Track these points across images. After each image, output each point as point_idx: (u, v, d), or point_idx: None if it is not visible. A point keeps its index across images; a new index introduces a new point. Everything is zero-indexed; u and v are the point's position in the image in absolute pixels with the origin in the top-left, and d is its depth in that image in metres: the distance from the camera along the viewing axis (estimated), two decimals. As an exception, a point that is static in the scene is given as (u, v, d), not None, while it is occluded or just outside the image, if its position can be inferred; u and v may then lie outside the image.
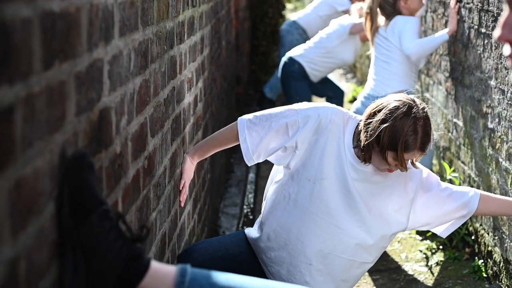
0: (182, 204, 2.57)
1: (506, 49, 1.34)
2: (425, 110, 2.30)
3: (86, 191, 1.27)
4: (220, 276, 1.43)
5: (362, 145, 2.29)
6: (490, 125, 3.32)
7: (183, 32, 2.67)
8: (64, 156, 1.23)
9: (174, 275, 1.38)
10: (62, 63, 1.22)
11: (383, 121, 2.24)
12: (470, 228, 3.78)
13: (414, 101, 2.30)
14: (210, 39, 3.78)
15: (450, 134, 4.21)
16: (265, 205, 2.52)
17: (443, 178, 3.89)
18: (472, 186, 3.70)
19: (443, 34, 3.95)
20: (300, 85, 5.41)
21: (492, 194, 2.44)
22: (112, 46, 1.56)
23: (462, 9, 3.88)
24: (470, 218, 3.23)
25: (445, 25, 4.23)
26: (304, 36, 6.60)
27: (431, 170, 4.39)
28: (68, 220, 1.24)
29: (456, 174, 3.95)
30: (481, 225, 3.56)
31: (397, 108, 2.25)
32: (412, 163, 2.35)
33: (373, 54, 4.23)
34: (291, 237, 2.37)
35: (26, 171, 1.08)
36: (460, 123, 3.95)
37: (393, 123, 2.22)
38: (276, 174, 2.54)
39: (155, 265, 1.38)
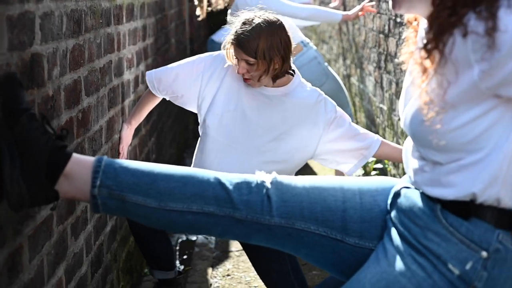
0: None
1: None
2: (268, 20, 2.47)
3: (16, 100, 1.59)
4: (133, 162, 1.73)
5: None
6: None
7: (121, 15, 3.01)
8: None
9: (93, 161, 1.69)
10: (-4, 6, 1.54)
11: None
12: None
13: (269, 16, 2.51)
14: (154, 31, 4.12)
15: (378, 119, 4.60)
16: (195, 158, 2.79)
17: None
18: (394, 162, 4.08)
19: (338, 14, 4.17)
20: None
21: (390, 143, 2.71)
22: (44, 5, 1.89)
23: (384, 3, 4.28)
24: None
25: (373, 20, 4.64)
26: None
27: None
28: (2, 122, 1.56)
29: (380, 166, 4.31)
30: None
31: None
32: (258, 80, 2.52)
33: None
34: (213, 168, 2.53)
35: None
36: (385, 107, 4.34)
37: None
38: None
39: (77, 155, 1.69)
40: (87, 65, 2.38)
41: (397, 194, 1.67)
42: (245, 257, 3.89)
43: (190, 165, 5.73)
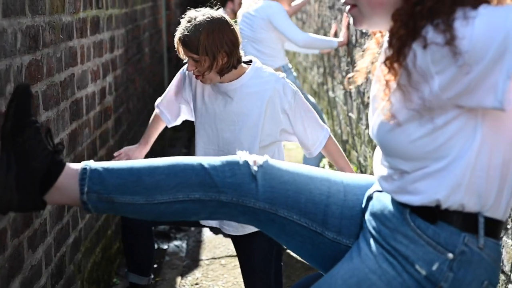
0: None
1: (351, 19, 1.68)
2: (211, 17, 2.52)
3: (27, 111, 1.73)
4: (118, 163, 1.80)
5: None
6: (371, 113, 3.76)
7: (85, 28, 3.04)
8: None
9: (79, 168, 1.77)
10: None
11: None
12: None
13: (212, 13, 2.56)
14: (124, 42, 4.16)
15: (348, 127, 4.66)
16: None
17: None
18: (361, 171, 4.13)
19: (333, 41, 4.41)
20: None
21: (337, 145, 2.78)
22: (-5, 23, 1.92)
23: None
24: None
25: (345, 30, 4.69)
26: None
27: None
28: (8, 131, 1.70)
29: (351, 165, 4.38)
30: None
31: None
32: (200, 75, 2.57)
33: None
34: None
35: None
36: (354, 116, 4.39)
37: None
38: None
39: (67, 166, 1.77)
40: (45, 79, 2.42)
41: (370, 197, 1.73)
42: (214, 265, 3.93)
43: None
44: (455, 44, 1.41)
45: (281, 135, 2.67)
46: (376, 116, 1.63)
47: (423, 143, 1.52)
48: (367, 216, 1.70)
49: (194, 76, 2.61)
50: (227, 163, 1.77)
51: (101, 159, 3.39)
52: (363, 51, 1.75)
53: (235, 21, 4.84)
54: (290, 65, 4.62)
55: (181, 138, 7.23)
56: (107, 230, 3.55)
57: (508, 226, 1.93)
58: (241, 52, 2.63)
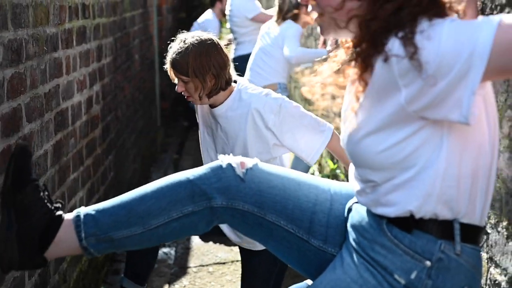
0: None
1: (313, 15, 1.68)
2: (199, 39, 2.57)
3: (26, 170, 1.82)
4: (107, 202, 1.84)
5: None
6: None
7: (71, 39, 3.06)
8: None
9: (72, 218, 1.82)
10: None
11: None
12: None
13: (201, 35, 2.61)
14: (112, 50, 4.17)
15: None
16: None
17: (324, 174, 4.32)
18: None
19: (323, 51, 4.47)
20: None
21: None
22: (-24, 38, 1.94)
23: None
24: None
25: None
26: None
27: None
28: (8, 188, 1.77)
29: (339, 170, 4.40)
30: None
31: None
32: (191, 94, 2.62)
33: (257, 46, 4.95)
34: None
35: None
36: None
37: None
38: None
39: (65, 218, 1.83)
40: (29, 92, 2.43)
41: (350, 209, 1.75)
42: (202, 273, 3.94)
43: (156, 178, 5.79)
44: (419, 57, 1.42)
45: (275, 150, 2.69)
46: (346, 126, 1.64)
47: (391, 153, 1.53)
48: (348, 227, 1.72)
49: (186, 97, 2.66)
50: (210, 169, 1.79)
51: (87, 168, 3.40)
52: (326, 59, 1.77)
53: (225, 21, 5.14)
54: (286, 84, 4.83)
55: (172, 143, 7.24)
56: (94, 239, 3.56)
57: (484, 239, 1.95)
58: (231, 73, 2.67)
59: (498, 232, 1.82)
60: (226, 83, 2.62)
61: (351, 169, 1.75)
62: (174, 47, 2.60)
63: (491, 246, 1.88)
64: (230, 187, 1.76)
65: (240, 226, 1.82)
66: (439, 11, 1.49)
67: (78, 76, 3.21)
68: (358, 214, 1.68)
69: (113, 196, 4.00)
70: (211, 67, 2.56)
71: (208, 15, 7.59)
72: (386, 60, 1.47)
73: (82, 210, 1.82)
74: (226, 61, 2.62)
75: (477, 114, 1.44)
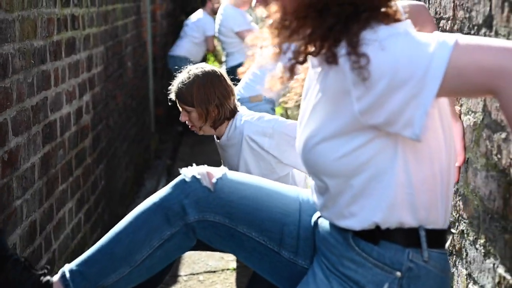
0: None
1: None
2: (203, 71, 2.70)
3: (2, 248, 1.80)
4: (88, 252, 1.86)
5: None
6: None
7: (59, 50, 3.07)
8: None
9: (59, 278, 1.84)
10: None
11: None
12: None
13: (205, 67, 2.74)
14: (103, 59, 4.19)
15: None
16: None
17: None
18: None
19: None
20: None
21: None
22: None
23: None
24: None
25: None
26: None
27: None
28: None
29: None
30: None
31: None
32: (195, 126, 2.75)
33: None
34: None
35: None
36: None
37: None
38: None
39: (54, 281, 1.84)
40: (15, 106, 2.44)
41: (316, 223, 1.74)
42: (192, 281, 3.96)
43: (149, 185, 5.80)
44: (370, 68, 1.39)
45: (280, 168, 2.76)
46: (302, 131, 1.62)
47: (347, 160, 1.52)
48: (316, 242, 1.72)
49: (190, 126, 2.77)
50: (175, 187, 1.80)
51: (77, 178, 3.41)
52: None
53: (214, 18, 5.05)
54: (273, 99, 4.76)
55: (166, 149, 7.25)
56: (83, 249, 3.57)
57: (463, 256, 1.97)
58: (236, 103, 2.76)
59: (476, 249, 1.84)
60: (230, 113, 2.73)
61: (311, 184, 1.73)
62: (179, 78, 2.71)
63: (470, 262, 1.90)
64: (200, 200, 1.76)
65: (212, 238, 1.82)
66: (383, 19, 1.46)
67: (67, 88, 3.22)
68: (323, 230, 1.68)
69: (104, 205, 4.02)
70: (214, 97, 2.66)
71: (199, 14, 7.65)
72: (338, 68, 1.44)
73: (66, 268, 1.85)
74: (230, 92, 2.72)
75: (429, 128, 1.42)
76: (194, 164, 1.82)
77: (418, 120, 1.38)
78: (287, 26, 1.51)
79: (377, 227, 1.55)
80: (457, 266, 2.01)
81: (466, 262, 1.93)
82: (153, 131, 7.26)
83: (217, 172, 1.80)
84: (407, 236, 1.55)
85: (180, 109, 2.73)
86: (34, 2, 2.67)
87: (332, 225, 1.65)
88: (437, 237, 1.58)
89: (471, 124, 1.86)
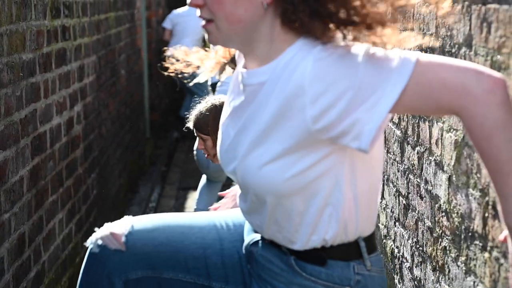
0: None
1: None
2: (221, 102, 2.79)
3: None
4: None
5: None
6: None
7: (49, 62, 3.08)
8: None
9: None
10: None
11: None
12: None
13: (221, 98, 2.83)
14: (96, 68, 4.20)
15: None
16: None
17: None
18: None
19: None
20: None
21: None
22: None
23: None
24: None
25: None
26: None
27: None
28: None
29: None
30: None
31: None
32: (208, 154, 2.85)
33: None
34: None
35: None
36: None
37: None
38: None
39: None
40: (3, 120, 2.45)
41: (249, 251, 1.69)
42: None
43: (143, 192, 5.81)
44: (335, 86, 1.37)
45: None
46: (245, 150, 1.54)
47: (296, 180, 1.48)
48: (257, 272, 1.67)
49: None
50: (89, 264, 1.73)
51: (68, 189, 3.42)
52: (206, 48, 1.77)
53: None
54: None
55: (161, 155, 7.26)
56: (75, 259, 3.58)
57: (445, 272, 1.98)
58: None
59: (458, 266, 1.85)
60: None
61: (242, 211, 1.68)
62: (198, 108, 2.87)
63: (452, 279, 1.91)
64: (115, 264, 1.70)
65: None
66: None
67: (57, 99, 3.23)
68: (264, 259, 1.64)
69: (96, 214, 4.01)
70: None
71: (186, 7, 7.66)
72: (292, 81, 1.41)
73: None
74: None
75: (377, 141, 1.41)
76: (96, 229, 1.76)
77: (367, 132, 1.36)
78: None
79: (322, 247, 1.54)
80: (440, 282, 2.02)
81: (449, 278, 1.94)
82: (148, 137, 7.27)
83: (122, 227, 1.73)
84: (348, 250, 1.56)
85: (197, 137, 2.89)
86: (22, 15, 2.68)
87: (271, 252, 1.62)
88: (371, 242, 1.60)
89: (453, 141, 1.87)
